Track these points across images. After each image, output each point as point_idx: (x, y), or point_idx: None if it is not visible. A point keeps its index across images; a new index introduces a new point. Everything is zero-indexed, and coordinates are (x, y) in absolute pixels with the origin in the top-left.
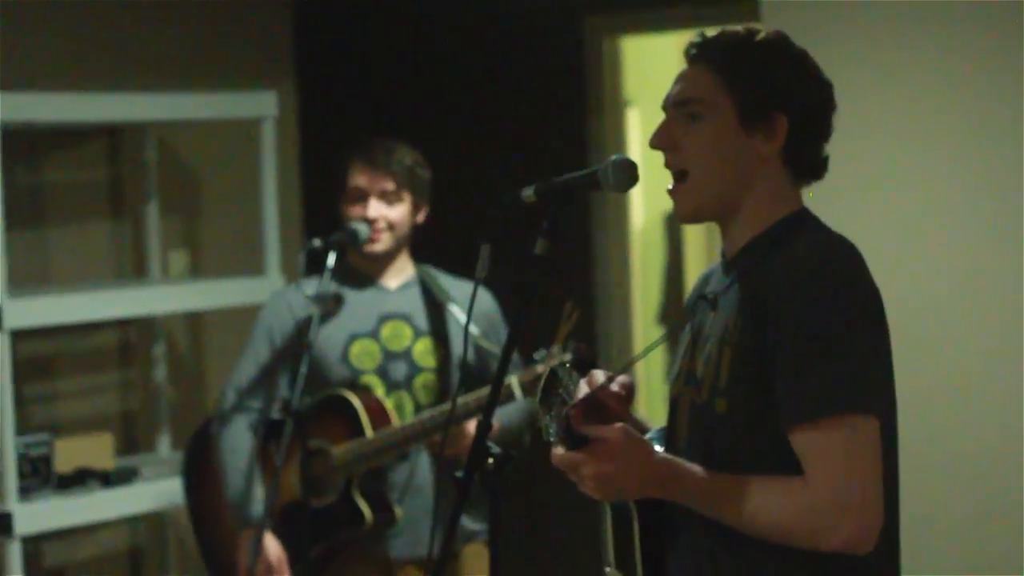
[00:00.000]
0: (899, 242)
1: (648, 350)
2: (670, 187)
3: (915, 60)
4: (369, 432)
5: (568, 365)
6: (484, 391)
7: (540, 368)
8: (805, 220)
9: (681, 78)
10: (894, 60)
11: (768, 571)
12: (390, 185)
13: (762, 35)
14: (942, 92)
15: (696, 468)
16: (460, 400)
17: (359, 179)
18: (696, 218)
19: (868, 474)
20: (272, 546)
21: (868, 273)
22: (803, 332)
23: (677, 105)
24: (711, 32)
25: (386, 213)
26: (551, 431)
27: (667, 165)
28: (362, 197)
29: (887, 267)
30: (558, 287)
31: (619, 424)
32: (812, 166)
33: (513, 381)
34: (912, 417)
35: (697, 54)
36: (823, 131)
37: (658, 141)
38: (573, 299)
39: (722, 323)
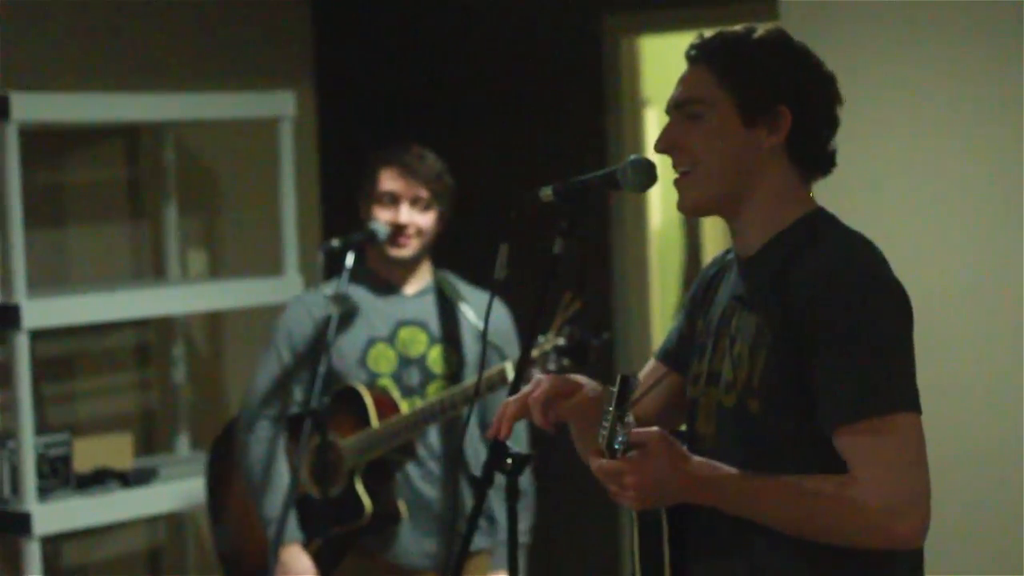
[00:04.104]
0: (902, 238)
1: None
2: (676, 177)
3: (933, 58)
4: (375, 423)
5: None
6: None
7: (535, 352)
8: (825, 219)
9: (681, 80)
10: (913, 58)
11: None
12: (424, 192)
13: (760, 32)
14: (959, 89)
15: (736, 471)
16: (458, 387)
17: (392, 184)
18: (698, 210)
19: (919, 470)
20: (305, 564)
21: (892, 271)
22: (845, 333)
23: (678, 107)
24: (709, 33)
25: (417, 219)
26: (619, 440)
27: (675, 166)
28: (394, 201)
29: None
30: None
31: (655, 428)
32: (819, 159)
33: (507, 366)
34: None
35: (695, 55)
36: (828, 123)
37: (663, 144)
38: (573, 289)
39: (753, 325)
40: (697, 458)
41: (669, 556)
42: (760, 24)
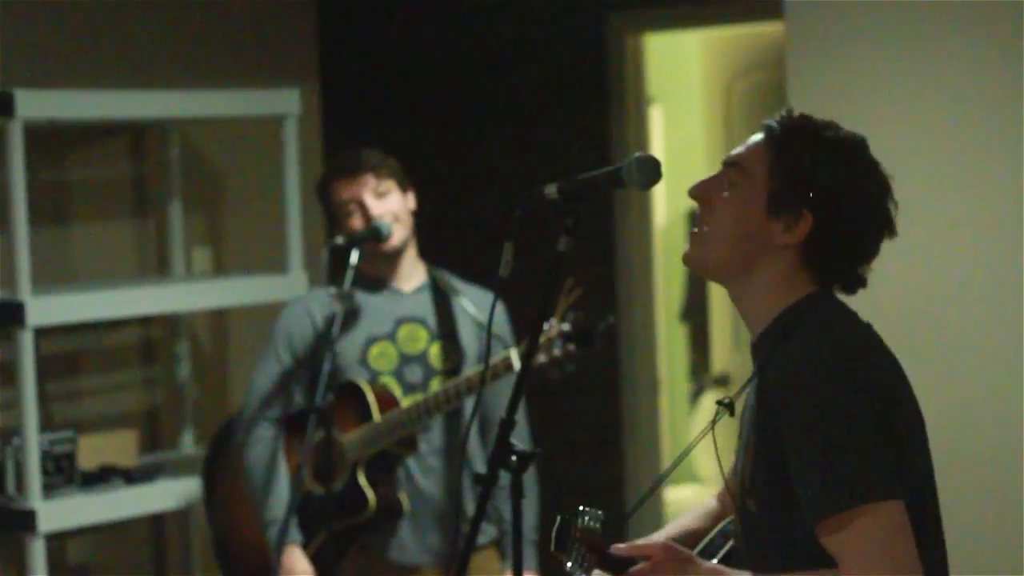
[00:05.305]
0: (902, 238)
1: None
2: (693, 230)
3: (934, 57)
4: (376, 416)
5: (584, 515)
6: (480, 368)
7: (541, 339)
8: (810, 307)
9: (745, 142)
10: (915, 57)
11: None
12: (371, 180)
13: (834, 134)
14: (960, 89)
15: (743, 573)
16: (461, 378)
17: (345, 192)
18: (698, 268)
19: (899, 559)
20: (304, 566)
21: (873, 353)
22: (806, 430)
23: (726, 164)
24: (798, 112)
25: (385, 206)
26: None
27: (698, 219)
28: (356, 204)
29: (889, 267)
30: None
31: (660, 540)
32: (838, 275)
33: (512, 353)
34: None
35: (766, 126)
36: (857, 248)
37: (696, 192)
38: (575, 278)
39: (748, 421)
40: (707, 565)
41: None
42: (842, 126)
